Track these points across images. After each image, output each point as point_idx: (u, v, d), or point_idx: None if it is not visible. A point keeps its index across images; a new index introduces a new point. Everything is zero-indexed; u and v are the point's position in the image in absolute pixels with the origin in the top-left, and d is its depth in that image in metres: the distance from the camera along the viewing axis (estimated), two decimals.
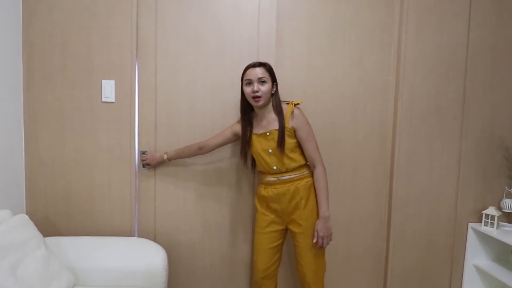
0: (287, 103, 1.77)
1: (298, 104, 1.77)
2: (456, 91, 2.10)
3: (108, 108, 1.96)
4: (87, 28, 1.93)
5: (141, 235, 2.06)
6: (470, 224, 2.15)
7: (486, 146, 2.14)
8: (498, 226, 2.06)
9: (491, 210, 2.06)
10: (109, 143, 1.98)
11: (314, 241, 1.71)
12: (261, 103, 1.71)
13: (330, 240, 1.72)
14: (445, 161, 2.13)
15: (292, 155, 1.74)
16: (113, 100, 1.96)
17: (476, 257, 2.17)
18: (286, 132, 1.71)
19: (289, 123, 1.72)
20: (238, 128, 1.85)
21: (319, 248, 1.74)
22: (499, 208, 2.13)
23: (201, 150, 1.92)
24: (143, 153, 2.01)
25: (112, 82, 1.94)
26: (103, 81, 1.94)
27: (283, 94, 1.87)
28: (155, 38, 1.98)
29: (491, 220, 2.05)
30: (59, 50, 1.92)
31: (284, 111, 1.73)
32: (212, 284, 2.13)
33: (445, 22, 2.07)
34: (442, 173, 2.14)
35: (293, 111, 1.73)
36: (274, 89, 1.75)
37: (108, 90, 1.94)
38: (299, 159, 1.76)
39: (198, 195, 2.07)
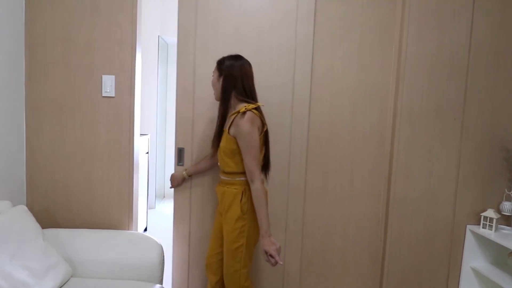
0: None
1: (247, 109, 1.60)
2: (457, 92, 2.08)
3: (108, 103, 1.99)
4: (88, 23, 1.95)
5: (177, 230, 2.09)
6: (468, 226, 2.14)
7: (486, 148, 2.12)
8: (496, 229, 2.04)
9: (490, 213, 2.04)
10: (109, 138, 2.01)
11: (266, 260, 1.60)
12: (215, 96, 1.73)
13: (279, 253, 1.58)
14: (445, 163, 2.12)
15: (226, 159, 1.68)
16: (113, 95, 1.98)
17: (473, 260, 2.15)
18: (227, 136, 1.66)
19: (231, 129, 1.64)
20: None
21: (274, 265, 1.58)
22: (498, 211, 2.11)
23: (214, 158, 1.93)
24: (180, 151, 2.02)
25: (112, 77, 1.97)
26: (103, 76, 1.97)
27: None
28: (195, 36, 1.99)
29: (489, 222, 2.04)
30: (60, 44, 1.95)
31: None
32: None
33: (447, 21, 2.04)
34: (441, 175, 2.12)
35: (235, 118, 1.62)
36: (220, 82, 1.67)
37: (108, 85, 1.97)
38: (233, 166, 1.67)
39: None
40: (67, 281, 1.65)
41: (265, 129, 1.69)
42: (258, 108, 1.66)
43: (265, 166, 1.77)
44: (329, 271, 2.16)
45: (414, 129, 2.09)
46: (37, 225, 1.68)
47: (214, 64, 1.84)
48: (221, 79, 1.68)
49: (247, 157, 1.60)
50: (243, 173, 1.67)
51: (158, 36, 4.30)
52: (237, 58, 1.69)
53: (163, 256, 1.86)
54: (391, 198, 2.11)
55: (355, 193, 2.13)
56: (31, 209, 2.01)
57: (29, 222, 1.64)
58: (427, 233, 2.15)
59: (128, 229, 2.07)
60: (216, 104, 1.92)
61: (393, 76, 2.08)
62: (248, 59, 1.74)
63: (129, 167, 2.03)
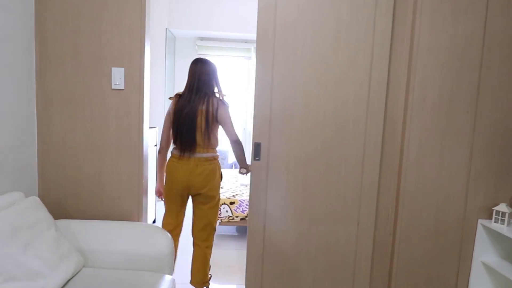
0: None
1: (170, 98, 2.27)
2: (470, 84, 2.04)
3: (118, 95, 1.99)
4: (97, 15, 1.95)
5: (251, 223, 2.11)
6: (480, 221, 2.11)
7: (499, 141, 2.08)
8: (509, 223, 2.01)
9: (502, 207, 2.01)
10: (118, 130, 2.02)
11: None
12: None
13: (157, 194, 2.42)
14: (456, 156, 2.09)
15: None
16: (123, 88, 1.98)
17: (484, 254, 2.13)
18: None
19: None
20: None
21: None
22: (511, 205, 2.08)
23: None
24: (257, 146, 2.04)
25: (122, 69, 1.97)
26: (112, 68, 1.97)
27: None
28: (274, 33, 2.00)
29: (501, 217, 2.01)
30: (70, 37, 1.95)
31: None
32: (307, 276, 2.18)
33: (461, 12, 2.00)
34: (452, 168, 2.09)
35: None
36: None
37: (118, 77, 1.97)
38: None
39: (306, 185, 2.11)
40: (79, 271, 1.68)
41: (171, 110, 2.23)
42: (180, 95, 2.22)
43: (176, 142, 2.20)
44: (338, 262, 2.16)
45: (426, 121, 2.06)
46: (50, 216, 1.70)
47: (293, 61, 2.03)
48: None
49: None
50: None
51: (166, 28, 4.29)
52: (192, 62, 2.26)
53: (173, 247, 1.88)
54: (401, 191, 2.09)
55: (364, 186, 2.12)
56: (43, 200, 2.04)
57: (42, 213, 1.66)
58: (438, 227, 2.13)
59: (137, 221, 2.09)
60: (293, 100, 2.07)
61: (404, 67, 2.05)
62: (326, 57, 2.02)
63: (139, 160, 2.04)
